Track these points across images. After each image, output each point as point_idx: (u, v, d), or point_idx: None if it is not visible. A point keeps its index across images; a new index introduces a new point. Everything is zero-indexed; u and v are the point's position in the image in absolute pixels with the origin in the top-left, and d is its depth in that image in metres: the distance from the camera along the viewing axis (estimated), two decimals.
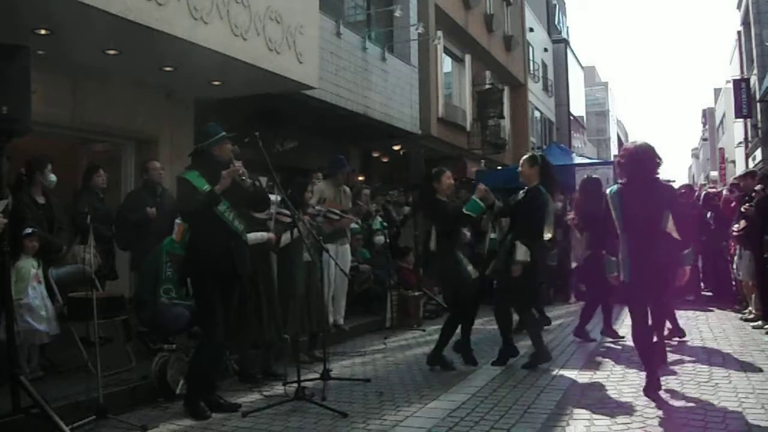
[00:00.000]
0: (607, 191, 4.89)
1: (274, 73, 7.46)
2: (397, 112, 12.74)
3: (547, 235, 5.75)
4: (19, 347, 4.43)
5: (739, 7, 28.35)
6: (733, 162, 33.50)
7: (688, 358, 5.87)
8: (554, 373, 5.45)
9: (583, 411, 4.34)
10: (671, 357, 5.96)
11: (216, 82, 7.68)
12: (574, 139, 31.53)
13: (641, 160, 4.62)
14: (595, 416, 4.22)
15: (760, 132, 24.94)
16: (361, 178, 12.87)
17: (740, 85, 25.68)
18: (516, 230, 5.67)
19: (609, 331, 7.02)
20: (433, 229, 5.79)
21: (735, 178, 11.81)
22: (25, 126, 4.07)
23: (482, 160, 18.24)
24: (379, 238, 8.87)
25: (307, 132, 11.09)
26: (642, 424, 4.02)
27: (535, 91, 25.14)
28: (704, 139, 60.14)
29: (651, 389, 4.56)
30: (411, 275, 9.09)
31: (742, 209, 7.46)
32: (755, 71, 24.84)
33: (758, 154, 25.41)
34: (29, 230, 5.04)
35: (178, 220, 5.34)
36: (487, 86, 18.61)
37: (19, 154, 5.15)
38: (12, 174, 5.20)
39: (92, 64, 6.63)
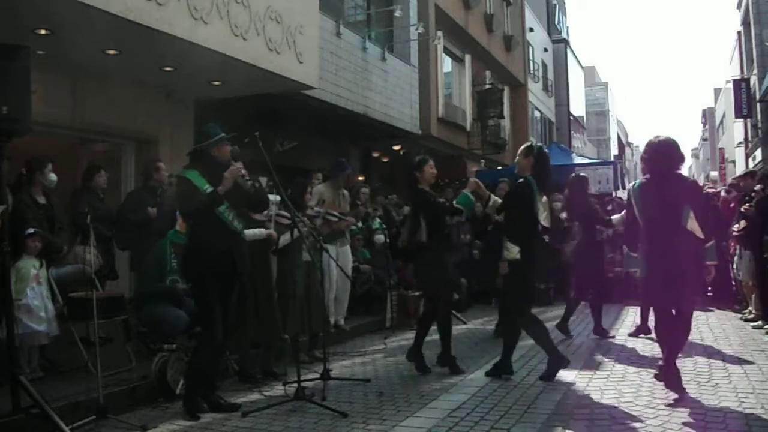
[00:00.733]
0: (630, 185, 4.82)
1: (274, 73, 7.46)
2: (397, 112, 12.74)
3: (543, 224, 5.34)
4: (18, 348, 4.43)
5: (739, 7, 28.36)
6: (733, 162, 33.51)
7: (688, 358, 5.87)
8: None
9: (583, 411, 4.34)
10: None
11: (216, 82, 7.68)
12: (574, 139, 31.53)
13: (663, 155, 4.55)
14: (595, 416, 4.22)
15: (760, 132, 24.95)
16: (361, 178, 12.87)
17: (740, 85, 25.69)
18: (507, 226, 5.45)
19: (598, 329, 7.11)
20: (423, 221, 5.58)
21: (734, 178, 11.81)
22: (25, 126, 4.07)
23: (482, 160, 18.25)
24: (379, 237, 8.87)
25: (307, 132, 11.09)
26: (642, 424, 4.02)
27: (535, 91, 25.14)
28: (704, 139, 60.18)
29: (670, 380, 4.46)
30: (411, 275, 9.08)
31: (742, 209, 7.46)
32: (755, 71, 24.84)
33: (758, 154, 25.41)
34: (31, 230, 5.03)
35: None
36: (487, 86, 18.62)
37: (19, 154, 5.14)
38: (12, 174, 5.20)
39: (92, 64, 6.63)
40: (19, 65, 4.00)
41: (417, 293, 8.49)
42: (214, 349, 4.52)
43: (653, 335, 6.94)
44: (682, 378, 4.55)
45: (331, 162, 7.60)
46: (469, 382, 5.22)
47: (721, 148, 40.40)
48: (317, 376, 5.12)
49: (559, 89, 29.94)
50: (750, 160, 27.10)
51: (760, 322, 7.26)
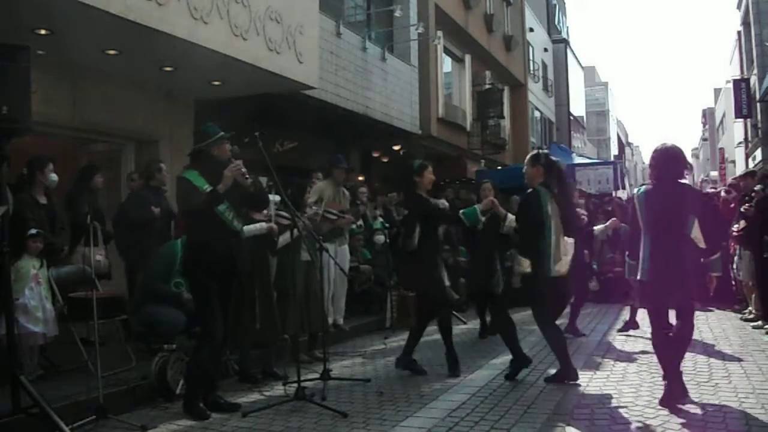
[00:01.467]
0: (635, 192, 4.79)
1: (274, 73, 7.46)
2: (397, 112, 12.74)
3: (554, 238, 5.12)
4: (18, 348, 4.42)
5: (739, 7, 28.36)
6: (733, 162, 33.51)
7: (689, 358, 5.87)
8: (554, 373, 5.44)
9: (584, 411, 4.35)
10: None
11: (216, 82, 7.68)
12: (574, 139, 31.54)
13: (669, 162, 4.53)
14: (595, 416, 4.22)
15: (760, 132, 24.95)
16: (361, 178, 12.87)
17: (740, 85, 25.69)
18: (519, 239, 5.37)
19: (571, 327, 7.18)
20: (417, 225, 5.54)
21: (734, 178, 11.81)
22: (25, 126, 4.07)
23: (482, 160, 18.24)
24: (379, 237, 8.87)
25: (307, 132, 11.09)
26: (642, 424, 4.02)
27: (535, 91, 25.15)
28: (704, 139, 60.21)
29: (667, 399, 4.34)
30: (411, 275, 9.07)
31: (742, 209, 7.46)
32: (755, 71, 24.84)
33: (758, 154, 25.41)
34: (33, 231, 5.03)
35: None
36: (487, 86, 18.62)
37: (19, 154, 5.14)
38: (13, 174, 5.20)
39: (92, 64, 6.63)
40: (19, 65, 4.00)
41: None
42: (214, 348, 4.52)
43: (641, 331, 7.01)
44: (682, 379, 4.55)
45: (328, 158, 7.61)
46: (469, 382, 5.22)
47: (721, 148, 40.41)
48: (317, 376, 5.13)
49: (559, 89, 29.94)
50: (750, 160, 27.10)
51: (760, 322, 7.26)
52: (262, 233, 5.34)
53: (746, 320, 7.67)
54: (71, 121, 6.99)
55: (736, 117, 27.60)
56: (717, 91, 44.62)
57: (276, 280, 5.70)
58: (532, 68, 24.95)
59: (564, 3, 35.44)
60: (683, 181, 4.63)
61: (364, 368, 6.01)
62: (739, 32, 29.58)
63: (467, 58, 17.71)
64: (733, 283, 9.07)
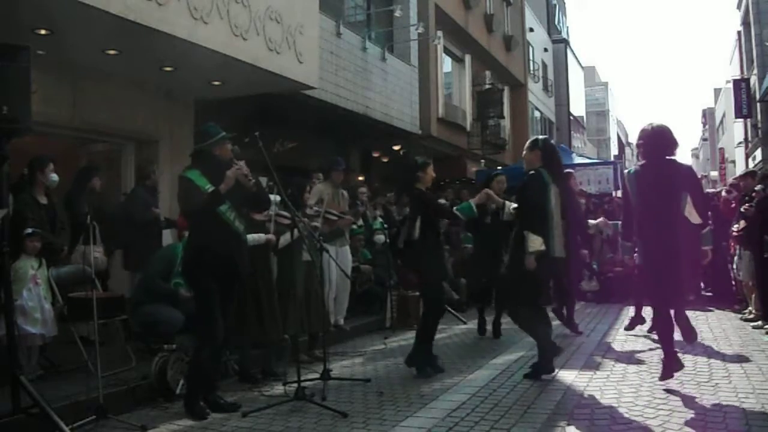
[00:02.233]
0: (626, 172, 4.78)
1: (274, 73, 7.46)
2: (397, 112, 12.74)
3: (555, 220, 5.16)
4: (17, 348, 4.42)
5: (739, 7, 28.36)
6: (733, 162, 33.52)
7: (689, 358, 5.87)
8: (554, 373, 5.44)
9: (583, 411, 4.34)
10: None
11: (216, 82, 7.68)
12: (574, 139, 31.54)
13: (658, 141, 4.53)
14: (595, 416, 4.22)
15: (760, 132, 24.95)
16: (361, 178, 12.87)
17: (740, 85, 25.69)
18: (522, 220, 5.24)
19: (571, 324, 7.21)
20: (418, 219, 5.57)
21: (734, 178, 11.80)
22: (25, 126, 4.07)
23: (482, 160, 18.24)
24: (379, 237, 8.87)
25: (307, 132, 11.09)
26: (642, 424, 4.02)
27: (535, 91, 25.15)
28: (704, 139, 60.20)
29: (667, 370, 4.50)
30: (411, 275, 9.08)
31: (742, 209, 7.46)
32: (755, 71, 24.84)
33: (758, 154, 25.41)
34: (30, 230, 5.03)
35: None
36: (487, 86, 18.62)
37: (19, 154, 5.14)
38: (14, 174, 5.20)
39: (92, 64, 6.63)
40: (19, 65, 4.00)
41: (417, 293, 8.49)
42: (215, 349, 4.52)
43: (647, 329, 6.99)
44: (682, 378, 4.54)
45: (327, 160, 7.61)
46: (469, 382, 5.22)
47: (721, 148, 40.41)
48: (317, 376, 5.12)
49: (559, 89, 29.95)
50: (750, 160, 27.10)
51: (760, 322, 7.25)
52: (260, 244, 5.35)
53: (746, 320, 7.67)
54: (71, 121, 6.99)
55: (736, 117, 27.61)
56: (717, 91, 44.62)
57: (276, 280, 5.70)
58: (532, 68, 24.96)
59: (564, 3, 35.46)
60: (672, 158, 4.60)
61: (364, 368, 6.01)
62: (739, 32, 29.58)
63: (467, 58, 17.71)
64: (733, 283, 9.07)
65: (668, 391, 4.77)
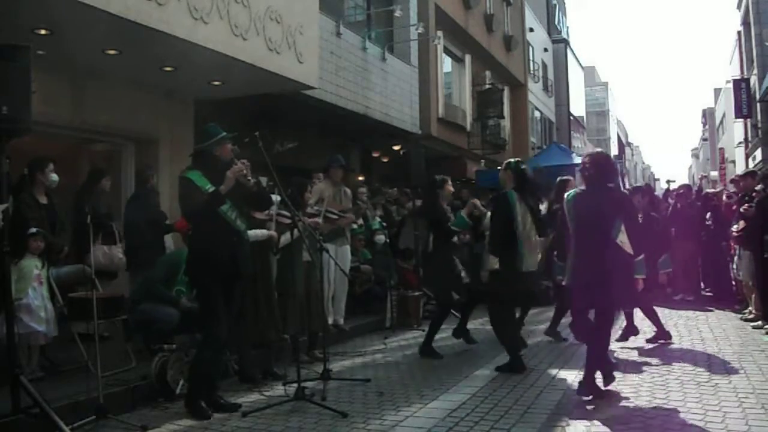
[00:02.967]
0: (566, 195, 4.97)
1: (274, 73, 7.45)
2: (397, 112, 12.74)
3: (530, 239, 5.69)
4: (18, 348, 4.42)
5: (739, 7, 28.35)
6: (733, 162, 33.48)
7: (689, 358, 5.88)
8: (554, 373, 5.45)
9: (583, 411, 4.35)
10: (669, 357, 5.96)
11: (216, 82, 7.67)
12: (574, 139, 31.52)
13: (600, 169, 4.71)
14: (595, 416, 4.22)
15: (760, 132, 24.93)
16: (361, 178, 12.87)
17: (740, 85, 25.68)
18: (489, 239, 5.92)
19: (552, 331, 7.01)
20: (431, 231, 6.28)
21: (735, 176, 11.81)
22: (26, 126, 4.07)
23: (482, 160, 18.24)
24: (380, 238, 8.87)
25: (307, 132, 11.09)
26: (642, 424, 4.02)
27: (535, 91, 25.14)
28: (704, 139, 60.20)
29: (585, 388, 4.54)
30: (411, 275, 9.09)
31: (742, 209, 7.46)
32: (755, 71, 24.84)
33: (758, 154, 25.40)
34: (33, 230, 5.03)
35: None
36: (487, 86, 18.61)
37: (19, 154, 5.14)
38: (14, 174, 5.20)
39: (92, 64, 6.62)
40: (19, 65, 4.00)
41: (417, 293, 8.51)
42: (218, 349, 4.52)
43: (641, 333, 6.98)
44: (682, 378, 4.55)
45: (327, 159, 7.61)
46: (469, 382, 5.22)
47: (721, 148, 40.39)
48: (317, 376, 5.12)
49: (559, 89, 29.93)
50: (750, 160, 27.09)
51: (760, 322, 7.25)
52: (263, 239, 5.35)
53: (746, 320, 7.67)
54: (71, 121, 6.99)
55: (736, 117, 27.59)
56: (717, 91, 44.59)
57: (276, 280, 5.70)
58: (532, 68, 24.94)
59: (564, 3, 35.44)
60: (611, 185, 4.77)
61: (364, 368, 6.01)
62: (739, 32, 29.57)
63: (467, 58, 17.70)
64: (733, 283, 9.08)
65: (668, 391, 4.77)
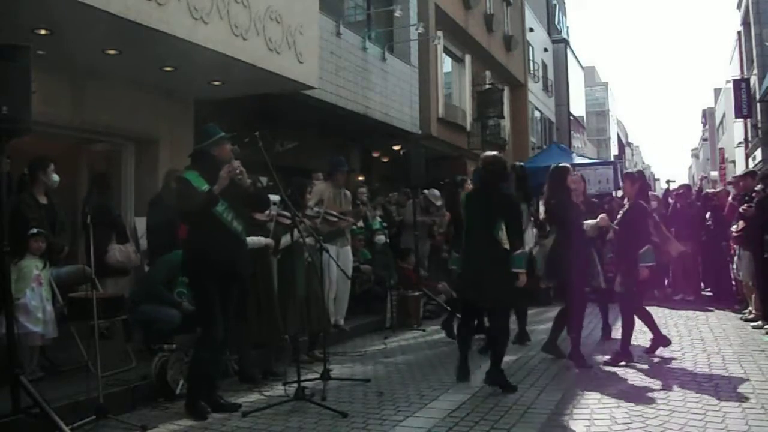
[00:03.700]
0: (462, 194, 5.62)
1: (274, 73, 7.45)
2: (397, 112, 12.74)
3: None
4: (18, 348, 4.41)
5: (739, 7, 28.35)
6: (733, 162, 33.49)
7: (689, 358, 5.88)
8: (554, 373, 5.45)
9: (583, 411, 4.35)
10: (669, 357, 5.97)
11: (216, 82, 7.68)
12: (574, 139, 31.51)
13: (488, 170, 5.19)
14: (595, 416, 4.22)
15: (760, 132, 24.94)
16: (361, 178, 12.87)
17: (740, 85, 25.68)
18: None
19: (552, 346, 6.09)
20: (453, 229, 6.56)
21: (734, 177, 11.81)
22: (26, 126, 4.07)
23: None
24: (380, 238, 8.87)
25: (307, 132, 11.09)
26: (642, 424, 4.02)
27: (535, 91, 25.14)
28: (704, 139, 60.21)
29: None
30: (411, 275, 9.09)
31: (741, 209, 7.46)
32: (755, 71, 24.84)
33: (758, 154, 25.40)
34: (34, 231, 5.03)
35: None
36: (487, 86, 18.62)
37: (19, 154, 5.14)
38: (14, 174, 5.20)
39: (92, 64, 6.62)
40: (19, 65, 3.99)
41: (417, 293, 8.51)
42: (214, 350, 4.51)
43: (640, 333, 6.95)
44: (682, 378, 4.54)
45: (330, 160, 7.61)
46: (469, 382, 5.21)
47: (721, 148, 40.40)
48: (317, 376, 5.12)
49: (559, 89, 29.93)
50: (750, 160, 27.09)
51: (760, 322, 7.26)
52: (260, 247, 5.35)
53: (746, 320, 7.67)
54: (71, 121, 7.00)
55: (736, 117, 27.59)
56: (717, 91, 44.60)
57: (277, 281, 5.69)
58: (532, 68, 24.94)
59: (564, 3, 35.44)
60: (498, 187, 5.21)
61: (364, 368, 6.01)
62: (739, 32, 29.57)
63: (467, 58, 17.70)
64: (733, 283, 9.08)
65: (668, 391, 4.78)
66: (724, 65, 44.85)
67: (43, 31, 5.60)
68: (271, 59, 7.34)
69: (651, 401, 4.51)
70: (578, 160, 15.08)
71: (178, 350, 4.97)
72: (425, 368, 5.82)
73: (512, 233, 5.01)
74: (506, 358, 5.99)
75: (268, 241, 5.47)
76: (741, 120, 27.57)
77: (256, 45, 7.09)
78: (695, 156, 70.37)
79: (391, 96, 12.59)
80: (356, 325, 7.78)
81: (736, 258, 8.13)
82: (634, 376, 5.24)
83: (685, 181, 25.22)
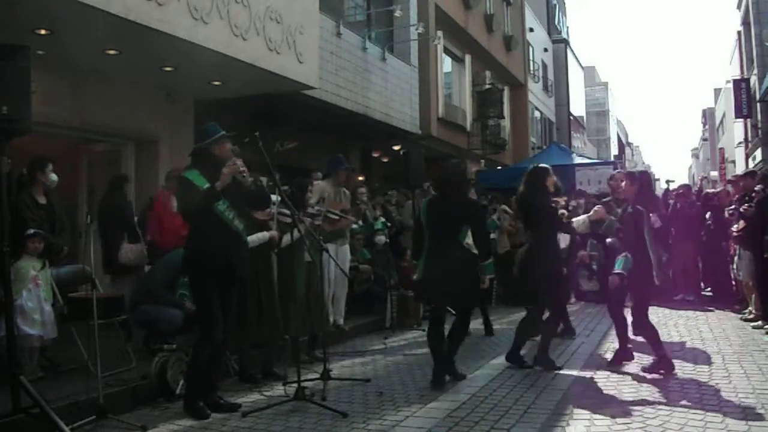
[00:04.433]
0: (423, 200, 5.63)
1: (274, 73, 7.46)
2: (397, 112, 12.74)
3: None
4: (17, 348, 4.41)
5: (739, 7, 28.35)
6: (733, 162, 33.50)
7: (689, 358, 5.87)
8: (554, 373, 5.44)
9: (583, 411, 4.34)
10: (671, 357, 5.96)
11: (216, 82, 7.68)
12: (574, 139, 31.53)
13: (452, 178, 5.32)
14: (595, 416, 4.22)
15: (760, 132, 24.94)
16: (361, 178, 12.87)
17: (740, 85, 25.69)
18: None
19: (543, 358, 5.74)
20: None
21: (734, 176, 11.80)
22: (26, 126, 4.07)
23: (482, 160, 18.24)
24: (380, 238, 8.87)
25: (307, 132, 11.08)
26: (642, 424, 4.02)
27: (535, 91, 25.14)
28: (704, 139, 60.22)
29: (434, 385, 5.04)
30: (411, 274, 9.08)
31: (741, 209, 7.46)
32: (755, 71, 24.84)
33: (758, 154, 25.40)
34: (31, 231, 5.03)
35: None
36: (487, 86, 18.61)
37: (19, 154, 5.15)
38: (13, 174, 5.20)
39: (92, 64, 6.63)
40: (19, 65, 3.99)
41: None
42: (213, 349, 4.51)
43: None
44: (682, 378, 4.53)
45: (328, 159, 7.59)
46: (469, 382, 5.22)
47: (721, 148, 40.41)
48: (317, 376, 5.12)
49: (559, 89, 29.93)
50: (750, 160, 27.09)
51: (760, 322, 7.25)
52: (264, 242, 5.35)
53: (746, 320, 7.67)
54: (71, 121, 7.00)
55: (736, 117, 27.60)
56: (717, 91, 44.60)
57: (278, 281, 5.69)
58: (532, 68, 24.94)
59: (564, 3, 35.45)
60: (462, 194, 5.36)
61: (364, 368, 6.01)
62: (739, 32, 29.57)
63: (467, 58, 17.70)
64: (733, 283, 9.07)
65: (668, 391, 4.77)
66: (724, 65, 44.89)
67: (43, 31, 5.61)
68: (271, 59, 7.34)
69: (651, 401, 4.51)
70: (578, 160, 15.10)
71: (178, 350, 4.97)
72: (425, 368, 5.81)
73: (479, 239, 5.21)
74: (504, 358, 6.01)
75: (272, 233, 5.42)
76: (741, 120, 27.58)
77: (256, 45, 7.09)
78: (695, 156, 70.39)
79: (391, 96, 12.59)
80: (356, 325, 7.77)
81: (736, 258, 8.12)
82: (634, 377, 5.24)
83: (685, 181, 25.21)
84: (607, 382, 5.12)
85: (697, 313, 8.52)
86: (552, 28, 30.39)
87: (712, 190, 10.85)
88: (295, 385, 4.69)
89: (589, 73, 48.46)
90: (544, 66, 27.78)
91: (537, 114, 26.03)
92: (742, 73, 27.94)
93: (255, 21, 7.06)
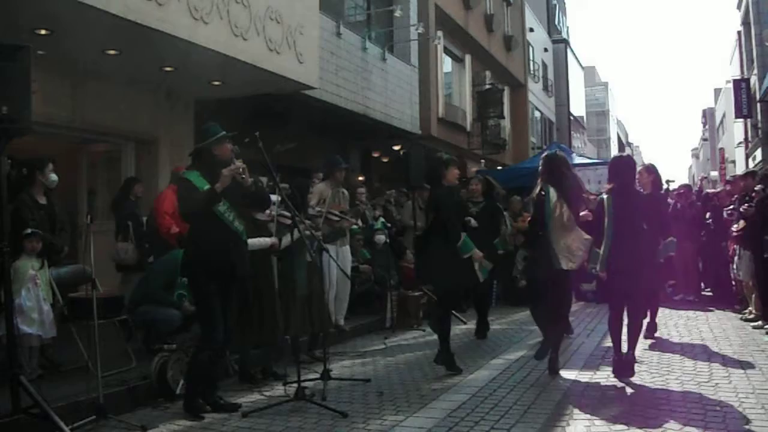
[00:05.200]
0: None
1: (274, 73, 7.46)
2: (397, 112, 12.75)
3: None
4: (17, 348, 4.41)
5: (739, 7, 28.35)
6: (733, 162, 33.48)
7: (689, 358, 5.87)
8: (554, 373, 5.43)
9: (583, 411, 4.34)
10: (669, 357, 5.96)
11: (216, 82, 7.68)
12: (574, 139, 31.54)
13: (432, 172, 5.70)
14: (595, 416, 4.22)
15: (760, 132, 24.94)
16: (361, 178, 12.87)
17: (740, 85, 25.67)
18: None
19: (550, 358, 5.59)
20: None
21: (733, 176, 11.79)
22: (26, 126, 4.07)
23: (482, 160, 18.25)
24: (380, 238, 8.86)
25: (307, 132, 11.09)
26: (642, 424, 4.02)
27: (535, 91, 25.15)
28: (704, 139, 60.17)
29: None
30: (411, 274, 9.08)
31: (741, 209, 7.46)
32: (755, 71, 24.84)
33: (758, 154, 25.40)
34: (29, 231, 5.03)
35: None
36: (487, 86, 18.63)
37: (19, 154, 5.15)
38: (13, 174, 5.20)
39: (92, 64, 6.63)
40: (19, 65, 4.00)
41: (417, 293, 8.50)
42: (214, 350, 4.51)
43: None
44: (682, 378, 4.52)
45: (325, 159, 7.58)
46: (469, 382, 5.22)
47: (721, 148, 40.40)
48: (317, 376, 5.12)
49: (559, 89, 29.95)
50: (750, 160, 27.09)
51: (760, 322, 7.25)
52: (265, 248, 5.35)
53: (746, 320, 7.67)
54: (71, 121, 7.00)
55: (736, 117, 27.59)
56: (717, 91, 44.58)
57: (278, 281, 5.69)
58: (532, 68, 24.95)
59: (564, 3, 35.46)
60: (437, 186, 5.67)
61: (364, 368, 6.01)
62: (739, 32, 29.57)
63: (467, 58, 17.71)
64: (733, 283, 9.07)
65: (668, 391, 4.77)
66: (724, 65, 44.90)
67: (43, 31, 5.61)
68: (271, 59, 7.35)
69: (651, 401, 4.51)
70: (578, 160, 15.09)
71: (178, 350, 4.97)
72: (425, 368, 5.82)
73: (447, 225, 5.47)
74: (504, 358, 6.02)
75: (273, 240, 5.44)
76: (741, 120, 27.57)
77: (256, 45, 7.09)
78: (695, 156, 70.34)
79: (391, 96, 12.60)
80: (356, 325, 7.77)
81: (736, 258, 8.12)
82: (634, 377, 5.24)
83: (685, 181, 25.25)
84: (607, 382, 5.12)
85: (697, 313, 8.51)
86: (552, 28, 30.40)
87: (713, 191, 10.85)
88: (295, 385, 4.70)
89: (589, 73, 48.47)
90: (544, 66, 27.79)
91: (537, 114, 26.04)
92: (742, 73, 27.93)
93: (255, 21, 7.06)
